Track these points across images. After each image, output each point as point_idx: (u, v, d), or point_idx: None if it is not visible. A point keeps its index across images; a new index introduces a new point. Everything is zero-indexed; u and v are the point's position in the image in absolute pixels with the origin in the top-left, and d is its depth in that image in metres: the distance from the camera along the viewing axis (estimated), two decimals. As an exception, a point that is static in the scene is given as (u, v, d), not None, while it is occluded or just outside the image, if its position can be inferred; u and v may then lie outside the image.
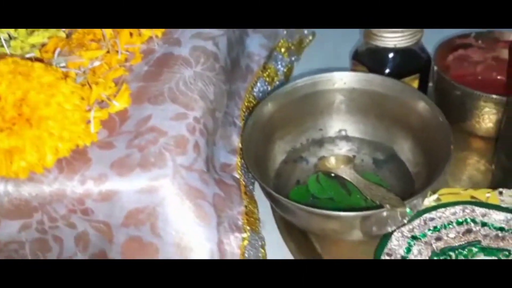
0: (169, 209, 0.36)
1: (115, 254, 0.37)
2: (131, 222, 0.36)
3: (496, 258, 0.46)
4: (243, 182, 0.47)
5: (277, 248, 0.50)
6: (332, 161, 0.59)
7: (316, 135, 0.61)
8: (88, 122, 0.39)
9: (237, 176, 0.47)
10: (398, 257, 0.47)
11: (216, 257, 0.37)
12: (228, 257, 0.39)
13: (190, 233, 0.36)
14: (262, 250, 0.45)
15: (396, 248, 0.48)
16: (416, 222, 0.49)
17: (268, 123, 0.53)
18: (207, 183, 0.39)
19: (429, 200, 0.51)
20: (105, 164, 0.37)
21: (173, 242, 0.36)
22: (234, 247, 0.40)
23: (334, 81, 0.57)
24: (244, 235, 0.42)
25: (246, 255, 0.41)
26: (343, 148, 0.60)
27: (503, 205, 0.49)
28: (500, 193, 0.49)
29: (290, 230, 0.52)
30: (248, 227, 0.43)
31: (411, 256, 0.47)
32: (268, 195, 0.47)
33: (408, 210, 0.46)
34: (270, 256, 0.48)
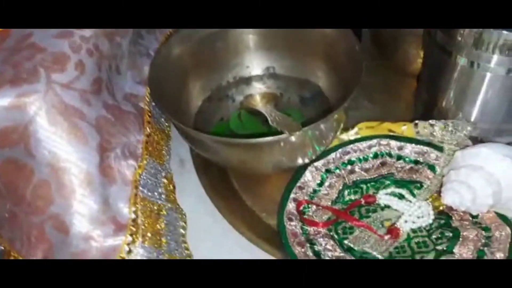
0: (41, 127, 0.34)
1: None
2: (5, 143, 0.34)
3: (407, 190, 0.45)
4: (149, 112, 0.45)
5: (191, 185, 0.48)
6: (257, 98, 0.57)
7: (244, 72, 0.58)
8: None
9: (143, 106, 0.45)
10: (310, 190, 0.46)
11: (97, 180, 0.36)
12: (117, 182, 0.38)
13: (63, 153, 0.34)
14: (165, 181, 0.43)
15: (309, 181, 0.47)
16: (332, 156, 0.48)
17: (179, 59, 0.50)
18: (89, 104, 0.36)
19: (348, 135, 0.50)
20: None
21: (47, 162, 0.34)
22: (126, 174, 0.39)
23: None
24: (141, 163, 0.40)
25: (141, 182, 0.40)
26: (271, 86, 0.58)
27: (418, 137, 0.47)
28: (416, 125, 0.47)
29: (207, 168, 0.51)
30: (147, 157, 0.42)
31: (322, 189, 0.46)
32: (178, 129, 0.45)
33: (318, 147, 0.44)
34: (179, 190, 0.47)
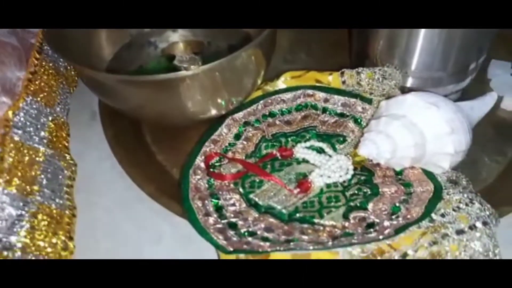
0: None
1: None
2: None
3: (328, 144, 0.41)
4: (38, 49, 0.39)
5: (99, 138, 0.44)
6: (181, 46, 0.52)
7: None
8: None
9: (34, 42, 0.39)
10: (226, 143, 0.42)
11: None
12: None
13: None
14: (52, 125, 0.38)
15: (225, 134, 0.42)
16: (253, 107, 0.44)
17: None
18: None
19: (273, 85, 0.45)
20: None
21: None
22: (-4, 110, 0.34)
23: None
24: (17, 102, 0.35)
25: (16, 119, 0.34)
26: (199, 34, 0.53)
27: (344, 87, 0.43)
28: (342, 73, 0.43)
29: (115, 120, 0.46)
30: (29, 97, 0.36)
31: (239, 142, 0.42)
32: (77, 72, 0.40)
33: (234, 98, 0.40)
34: (85, 142, 0.42)
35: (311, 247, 0.32)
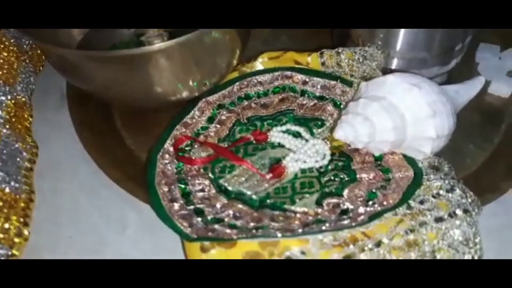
0: None
1: None
2: None
3: (305, 128, 0.38)
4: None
5: (66, 122, 0.42)
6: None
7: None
8: None
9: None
10: (198, 127, 0.39)
11: None
12: None
13: None
14: (11, 104, 0.36)
15: (198, 117, 0.40)
16: (228, 89, 0.41)
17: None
18: None
19: (250, 67, 0.43)
20: None
21: None
22: None
23: None
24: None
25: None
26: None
27: (323, 68, 0.41)
28: (321, 54, 0.41)
29: (84, 104, 0.44)
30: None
31: (212, 126, 0.39)
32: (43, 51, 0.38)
33: (207, 80, 0.38)
34: (52, 126, 0.40)
35: (279, 235, 0.30)
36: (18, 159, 0.35)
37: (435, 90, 0.35)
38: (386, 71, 0.40)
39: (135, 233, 0.36)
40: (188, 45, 0.35)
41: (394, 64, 0.41)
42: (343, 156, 0.37)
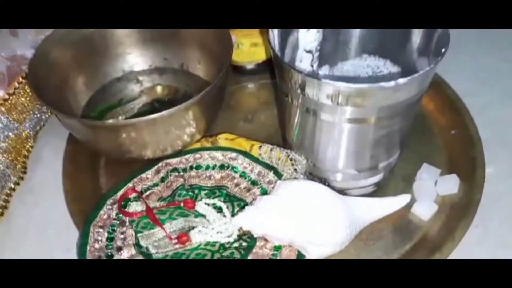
0: None
1: None
2: None
3: (230, 206, 0.45)
4: (24, 74, 0.48)
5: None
6: (159, 89, 0.60)
7: (161, 63, 0.61)
8: None
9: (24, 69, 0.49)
10: (150, 183, 0.47)
11: None
12: None
13: None
14: (13, 137, 0.47)
15: (152, 175, 0.48)
16: (185, 157, 0.49)
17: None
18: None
19: (211, 142, 0.50)
20: None
21: None
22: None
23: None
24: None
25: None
26: (181, 81, 0.60)
27: (260, 158, 0.47)
28: (260, 147, 0.47)
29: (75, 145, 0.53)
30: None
31: (161, 185, 0.47)
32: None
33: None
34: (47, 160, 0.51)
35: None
36: (4, 181, 0.45)
37: (332, 201, 0.40)
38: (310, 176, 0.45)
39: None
40: (160, 121, 0.43)
41: (319, 172, 0.45)
42: (251, 239, 0.42)
